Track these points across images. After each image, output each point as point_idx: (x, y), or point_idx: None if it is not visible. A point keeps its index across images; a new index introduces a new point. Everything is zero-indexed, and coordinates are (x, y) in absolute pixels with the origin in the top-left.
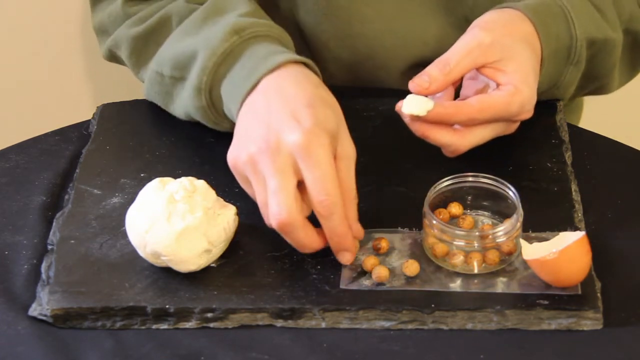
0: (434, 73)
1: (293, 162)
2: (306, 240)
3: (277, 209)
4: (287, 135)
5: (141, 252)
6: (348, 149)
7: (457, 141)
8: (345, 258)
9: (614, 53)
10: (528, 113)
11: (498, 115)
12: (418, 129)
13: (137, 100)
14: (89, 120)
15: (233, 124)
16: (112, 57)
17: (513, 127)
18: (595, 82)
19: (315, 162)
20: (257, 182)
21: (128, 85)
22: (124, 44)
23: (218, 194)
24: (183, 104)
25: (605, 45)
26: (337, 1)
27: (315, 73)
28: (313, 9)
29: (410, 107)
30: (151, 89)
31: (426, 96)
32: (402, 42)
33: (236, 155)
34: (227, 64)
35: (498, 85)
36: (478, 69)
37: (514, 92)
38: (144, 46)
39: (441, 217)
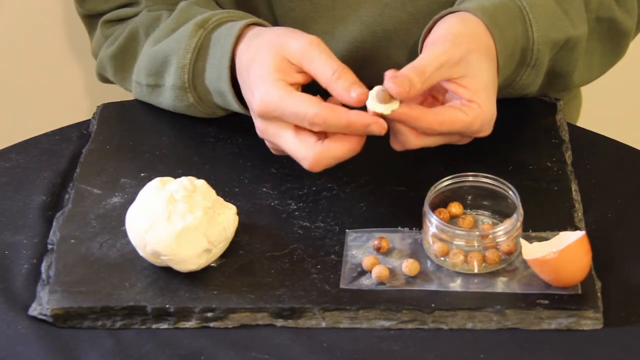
0: (414, 79)
1: (276, 124)
2: (344, 151)
3: (302, 163)
4: (253, 108)
5: (141, 252)
6: (299, 51)
7: (412, 135)
8: (376, 130)
9: (576, 49)
10: (487, 132)
11: (457, 130)
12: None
13: (137, 100)
14: (89, 120)
15: (227, 111)
16: (104, 79)
17: (466, 140)
18: (560, 80)
19: (279, 108)
20: (284, 152)
21: None
22: (107, 64)
23: (218, 194)
24: (166, 105)
25: (567, 44)
26: (321, 2)
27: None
28: (300, 15)
29: (375, 104)
30: (137, 96)
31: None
32: (383, 44)
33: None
34: (202, 58)
35: (462, 99)
36: (443, 82)
37: (478, 112)
38: (123, 62)
39: (441, 216)
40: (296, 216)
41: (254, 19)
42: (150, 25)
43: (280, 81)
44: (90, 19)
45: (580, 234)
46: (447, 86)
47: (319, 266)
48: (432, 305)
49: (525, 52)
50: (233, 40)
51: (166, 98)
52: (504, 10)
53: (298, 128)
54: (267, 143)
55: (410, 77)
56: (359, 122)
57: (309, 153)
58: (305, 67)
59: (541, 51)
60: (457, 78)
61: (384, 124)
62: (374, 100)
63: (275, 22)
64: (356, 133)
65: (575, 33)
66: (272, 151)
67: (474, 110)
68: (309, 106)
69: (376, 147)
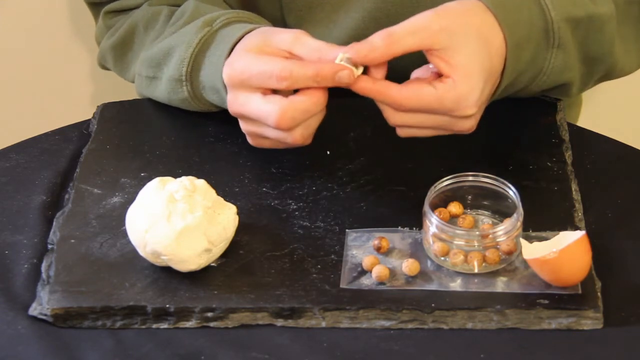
0: (377, 42)
1: (244, 91)
2: (309, 102)
3: (268, 120)
4: (224, 77)
5: (141, 252)
6: (292, 37)
7: (390, 110)
8: (345, 77)
9: (605, 29)
10: (468, 109)
11: (428, 107)
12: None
13: (137, 99)
14: (89, 120)
15: (220, 108)
16: (105, 68)
17: (461, 125)
18: (598, 64)
19: (246, 70)
20: (257, 129)
21: (128, 85)
22: (107, 54)
23: (218, 194)
24: (161, 98)
25: (592, 23)
26: None
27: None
28: (304, 1)
29: (344, 62)
30: (137, 88)
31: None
32: None
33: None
34: (203, 54)
35: (441, 75)
36: (427, 54)
37: (450, 88)
38: (122, 53)
39: (441, 216)
40: (296, 216)
41: (259, 25)
42: (149, 20)
43: (251, 51)
44: (95, 6)
45: (580, 233)
46: (430, 59)
47: (319, 266)
48: (432, 305)
49: (547, 33)
50: (235, 40)
51: (162, 91)
52: None
53: (266, 92)
54: (241, 125)
55: (373, 40)
56: (327, 70)
57: (274, 108)
58: (296, 49)
59: (562, 29)
60: (438, 50)
61: (353, 72)
62: (342, 60)
63: (280, 9)
64: (325, 83)
65: (597, 11)
66: (248, 137)
67: (446, 85)
68: (275, 63)
69: (376, 147)
